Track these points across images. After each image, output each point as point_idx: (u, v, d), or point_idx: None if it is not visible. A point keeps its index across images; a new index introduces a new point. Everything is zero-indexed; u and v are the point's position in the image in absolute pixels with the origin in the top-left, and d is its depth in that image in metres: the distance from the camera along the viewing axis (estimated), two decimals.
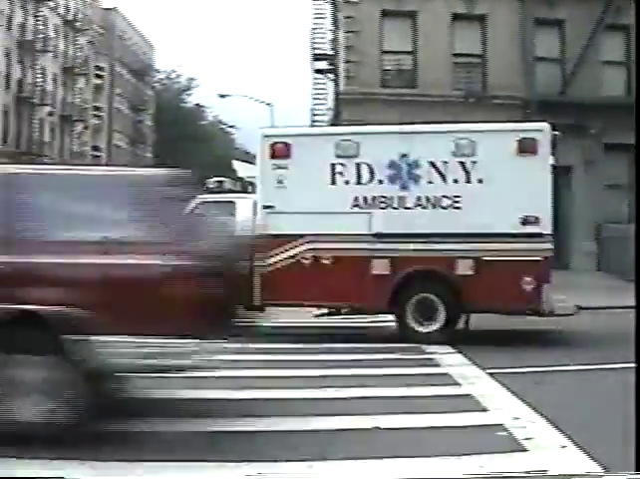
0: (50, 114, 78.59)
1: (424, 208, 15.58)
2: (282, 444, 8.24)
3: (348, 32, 32.87)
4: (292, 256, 15.89)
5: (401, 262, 15.49)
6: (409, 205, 15.69)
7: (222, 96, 72.11)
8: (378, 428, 8.71)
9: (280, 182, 16.13)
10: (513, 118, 30.66)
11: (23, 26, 72.31)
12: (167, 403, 10.15)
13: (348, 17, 32.96)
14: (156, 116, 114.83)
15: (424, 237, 15.42)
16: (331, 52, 41.01)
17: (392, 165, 15.80)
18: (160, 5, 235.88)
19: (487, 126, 16.48)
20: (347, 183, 15.98)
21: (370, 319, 18.88)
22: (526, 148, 15.18)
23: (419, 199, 15.64)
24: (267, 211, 16.10)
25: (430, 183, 15.62)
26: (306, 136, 17.37)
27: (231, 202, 17.34)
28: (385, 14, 32.62)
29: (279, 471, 7.31)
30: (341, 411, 9.53)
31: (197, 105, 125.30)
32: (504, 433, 8.38)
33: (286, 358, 13.71)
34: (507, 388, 10.66)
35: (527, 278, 14.94)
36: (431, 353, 14.25)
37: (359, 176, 15.92)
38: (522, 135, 15.42)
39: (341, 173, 15.99)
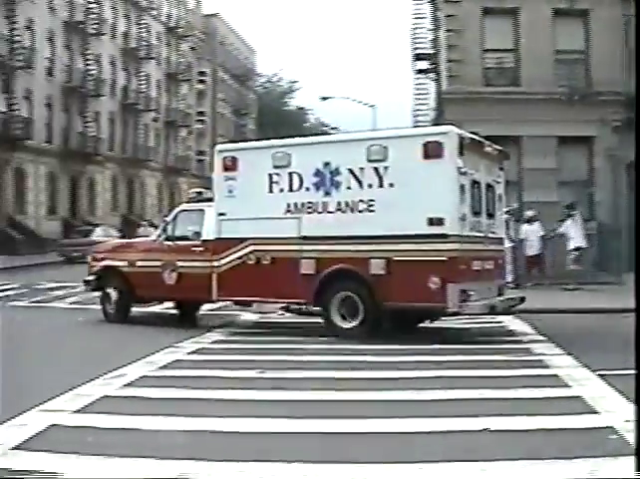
0: (154, 119, 79.91)
1: (343, 212, 16.84)
2: (393, 446, 8.29)
3: (449, 31, 32.66)
4: (240, 258, 17.93)
5: (324, 263, 16.90)
6: (331, 209, 17.01)
7: (324, 98, 72.32)
8: (488, 430, 8.67)
9: (230, 191, 18.27)
10: (618, 114, 30.19)
11: (126, 34, 73.73)
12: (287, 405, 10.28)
13: (449, 16, 32.75)
14: (258, 119, 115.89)
15: (343, 239, 16.75)
16: (432, 51, 40.86)
17: (317, 173, 17.19)
18: (260, 10, 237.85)
19: (397, 131, 17.53)
20: (281, 190, 17.65)
21: (478, 320, 18.79)
22: (432, 152, 15.81)
23: (339, 204, 16.92)
24: (220, 217, 18.35)
25: (348, 188, 16.82)
26: (249, 149, 19.42)
27: (201, 210, 19.55)
28: (486, 12, 32.30)
29: (390, 473, 7.36)
30: (451, 413, 9.50)
31: (299, 108, 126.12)
32: (616, 436, 8.24)
33: (395, 359, 13.70)
34: (618, 390, 10.47)
35: (434, 278, 15.58)
36: (539, 355, 14.11)
37: (291, 184, 17.52)
38: (428, 139, 16.11)
39: (277, 182, 17.69)
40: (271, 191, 17.74)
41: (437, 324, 18.27)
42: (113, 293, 20.38)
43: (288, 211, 17.44)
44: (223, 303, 20.79)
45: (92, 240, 46.17)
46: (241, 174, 18.18)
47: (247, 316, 21.03)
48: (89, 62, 64.64)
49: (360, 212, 16.66)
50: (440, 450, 8.01)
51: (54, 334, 18.38)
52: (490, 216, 17.68)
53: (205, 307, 22.63)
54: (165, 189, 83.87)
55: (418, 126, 43.50)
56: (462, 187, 15.98)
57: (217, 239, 18.28)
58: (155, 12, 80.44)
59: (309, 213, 17.22)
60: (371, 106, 68.84)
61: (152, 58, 78.50)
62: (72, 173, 62.04)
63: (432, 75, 42.05)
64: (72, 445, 8.27)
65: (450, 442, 8.33)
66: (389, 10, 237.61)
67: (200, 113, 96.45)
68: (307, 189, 17.29)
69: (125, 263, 20.29)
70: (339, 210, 16.90)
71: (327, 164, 17.01)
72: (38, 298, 25.45)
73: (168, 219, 20.46)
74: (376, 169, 16.44)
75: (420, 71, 43.56)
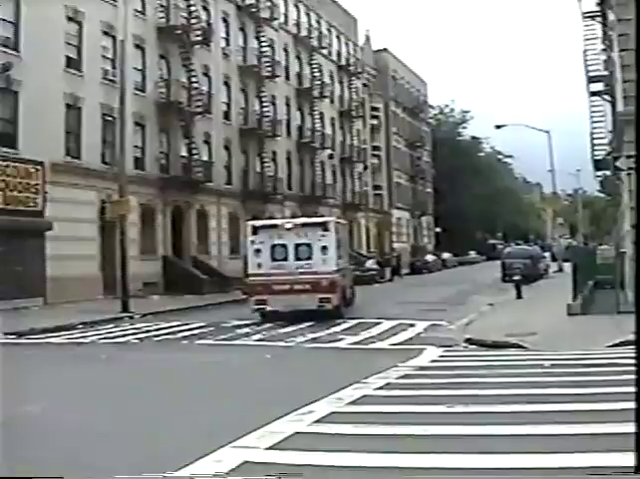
0: (330, 157, 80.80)
1: None
2: None
3: (623, 50, 31.79)
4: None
5: None
6: None
7: (498, 127, 71.88)
8: None
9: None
10: None
11: (299, 75, 75.00)
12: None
13: (622, 35, 31.91)
14: (432, 151, 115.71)
15: None
16: (606, 72, 39.95)
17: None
18: (429, 42, 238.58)
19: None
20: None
21: None
22: (246, 233, 34.35)
23: None
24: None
25: None
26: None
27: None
28: None
29: None
30: None
31: (473, 137, 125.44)
32: None
33: (583, 392, 13.34)
34: None
35: (251, 293, 32.94)
36: None
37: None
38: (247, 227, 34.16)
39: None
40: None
41: (620, 354, 17.67)
42: None
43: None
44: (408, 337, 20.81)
45: None
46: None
47: (431, 350, 20.89)
48: (264, 104, 65.97)
49: None
50: None
51: (242, 371, 18.73)
52: (307, 259, 31.35)
53: (388, 342, 22.80)
54: None
55: (595, 150, 42.57)
56: (257, 250, 31.71)
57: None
58: (325, 51, 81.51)
59: None
60: (546, 132, 68.03)
61: (325, 96, 79.47)
62: (252, 212, 63.10)
63: (607, 97, 41.04)
64: None
65: None
66: (560, 34, 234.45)
67: (375, 148, 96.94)
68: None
69: None
70: None
71: None
72: (224, 336, 26.00)
73: None
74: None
75: (594, 93, 42.59)
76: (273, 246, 31.51)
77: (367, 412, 12.26)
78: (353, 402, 13.15)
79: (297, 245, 31.52)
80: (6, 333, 26.47)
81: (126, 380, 17.52)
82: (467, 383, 14.83)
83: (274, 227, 32.88)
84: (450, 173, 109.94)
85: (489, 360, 18.44)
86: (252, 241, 31.88)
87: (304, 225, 32.69)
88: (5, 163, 38.14)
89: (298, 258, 31.45)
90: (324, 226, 32.41)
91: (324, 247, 31.53)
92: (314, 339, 24.57)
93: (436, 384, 14.93)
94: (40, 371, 18.73)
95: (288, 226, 32.46)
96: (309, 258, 31.46)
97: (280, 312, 31.11)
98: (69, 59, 43.60)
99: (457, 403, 12.54)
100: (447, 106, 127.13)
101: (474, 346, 21.46)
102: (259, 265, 31.56)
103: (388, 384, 15.20)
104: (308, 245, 31.53)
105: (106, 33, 46.58)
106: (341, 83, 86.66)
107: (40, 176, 39.95)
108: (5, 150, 38.47)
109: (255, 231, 32.24)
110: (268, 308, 31.24)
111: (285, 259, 31.43)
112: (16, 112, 39.21)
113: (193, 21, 55.33)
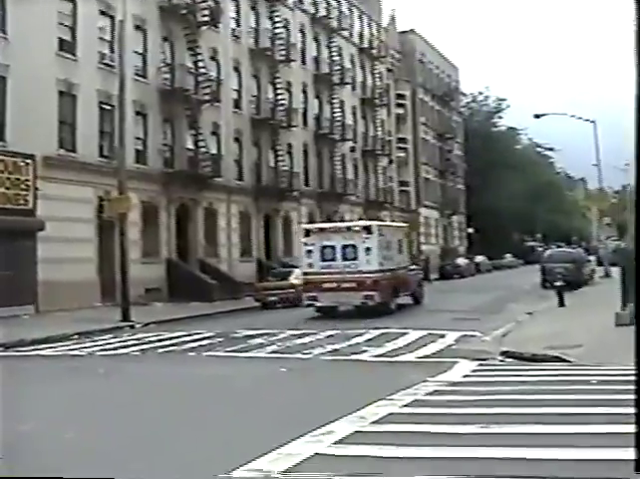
0: (351, 149, 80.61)
1: None
2: None
3: None
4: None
5: None
6: None
7: (538, 116, 71.49)
8: None
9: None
10: None
11: (317, 59, 74.78)
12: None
13: None
14: (464, 143, 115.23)
15: None
16: None
17: None
18: (460, 21, 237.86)
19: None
20: None
21: None
22: (301, 235, 41.34)
23: None
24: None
25: None
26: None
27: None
28: None
29: None
30: None
31: (510, 128, 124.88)
32: None
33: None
34: None
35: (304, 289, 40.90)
36: None
37: None
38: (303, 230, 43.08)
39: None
40: None
41: None
42: None
43: None
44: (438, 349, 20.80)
45: (290, 284, 46.42)
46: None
47: (463, 364, 20.82)
48: (278, 91, 65.88)
49: None
50: None
51: (255, 386, 18.70)
52: (353, 259, 37.62)
53: (416, 355, 22.74)
54: None
55: None
56: (309, 251, 38.58)
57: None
58: (346, 33, 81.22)
59: None
60: (591, 122, 67.71)
61: (345, 83, 79.21)
62: (265, 210, 63.24)
63: None
64: None
65: None
66: (609, 11, 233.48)
67: (401, 139, 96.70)
68: None
69: None
70: None
71: None
72: (235, 347, 26.00)
73: None
74: None
75: None
76: (323, 248, 38.37)
77: (393, 432, 12.21)
78: (377, 421, 13.09)
79: (344, 247, 38.10)
80: None
81: (126, 396, 17.53)
82: (502, 401, 14.76)
83: (323, 229, 40.32)
84: (483, 167, 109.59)
85: (528, 375, 18.36)
86: (305, 244, 39.31)
87: (349, 228, 40.01)
88: None
89: (345, 259, 38.00)
90: (367, 229, 39.04)
91: (368, 249, 37.84)
92: (334, 351, 24.54)
93: (468, 402, 14.87)
94: (29, 387, 18.73)
95: (335, 228, 40.32)
96: (355, 259, 37.88)
97: (331, 309, 38.98)
98: (62, 41, 43.75)
99: (491, 423, 12.48)
100: (480, 93, 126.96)
101: (510, 360, 21.38)
102: (310, 265, 38.78)
103: (416, 401, 15.14)
104: (354, 247, 37.96)
105: (103, 13, 46.75)
106: (363, 68, 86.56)
107: (31, 170, 40.09)
108: None
109: (307, 233, 39.71)
110: (318, 304, 38.61)
111: (333, 260, 38.16)
112: (4, 100, 39.36)
113: None
